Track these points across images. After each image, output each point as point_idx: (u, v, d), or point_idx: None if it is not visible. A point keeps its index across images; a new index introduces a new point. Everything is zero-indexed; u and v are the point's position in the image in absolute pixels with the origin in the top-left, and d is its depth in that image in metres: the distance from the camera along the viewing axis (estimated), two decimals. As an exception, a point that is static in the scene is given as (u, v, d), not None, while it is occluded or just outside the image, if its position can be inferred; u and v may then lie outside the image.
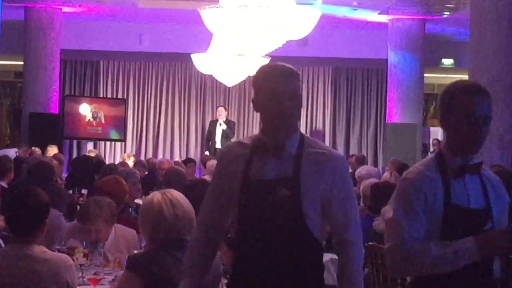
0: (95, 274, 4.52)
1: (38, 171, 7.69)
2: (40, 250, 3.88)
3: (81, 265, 4.64)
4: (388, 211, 2.96)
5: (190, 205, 3.88)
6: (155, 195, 3.88)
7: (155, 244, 3.82)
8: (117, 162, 15.39)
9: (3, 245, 5.11)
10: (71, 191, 8.83)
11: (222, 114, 16.15)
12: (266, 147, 3.11)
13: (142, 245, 4.92)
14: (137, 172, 7.67)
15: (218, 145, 15.77)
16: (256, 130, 19.17)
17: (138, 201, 6.94)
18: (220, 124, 15.91)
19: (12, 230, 3.93)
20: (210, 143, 16.04)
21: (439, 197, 2.90)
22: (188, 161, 11.62)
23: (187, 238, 3.72)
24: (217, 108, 16.70)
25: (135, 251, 4.71)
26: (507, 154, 10.43)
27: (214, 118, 17.21)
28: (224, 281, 4.28)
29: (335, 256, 4.72)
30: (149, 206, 3.85)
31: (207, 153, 15.76)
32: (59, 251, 4.52)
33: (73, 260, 4.23)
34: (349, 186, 3.17)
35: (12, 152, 12.81)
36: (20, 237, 3.87)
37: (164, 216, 3.77)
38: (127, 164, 12.00)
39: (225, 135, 15.87)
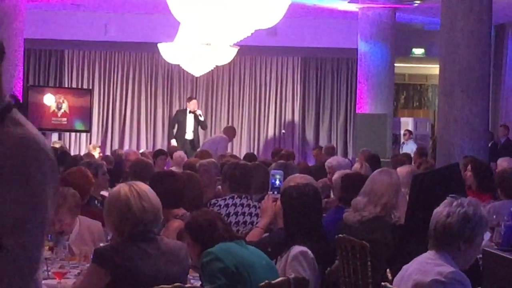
0: (60, 267, 4.53)
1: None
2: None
3: (46, 258, 4.56)
4: None
5: (157, 197, 3.89)
6: (122, 187, 3.87)
7: (121, 237, 3.83)
8: (82, 153, 15.18)
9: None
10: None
11: (196, 106, 16.04)
12: None
13: (108, 238, 4.93)
14: (104, 162, 7.58)
15: (189, 136, 15.66)
16: (224, 121, 19.07)
17: (104, 192, 6.91)
18: (200, 115, 15.83)
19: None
20: (175, 132, 15.91)
21: None
22: (159, 153, 11.38)
23: (155, 230, 3.89)
24: (190, 100, 16.49)
25: (101, 244, 4.69)
26: (478, 144, 10.39)
27: (182, 108, 17.10)
28: (194, 274, 4.25)
29: (305, 249, 4.65)
30: (116, 198, 3.84)
31: (174, 143, 15.59)
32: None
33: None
34: (22, 177, 2.20)
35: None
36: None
37: (131, 209, 3.77)
38: (92, 156, 11.82)
39: (205, 126, 16.41)
